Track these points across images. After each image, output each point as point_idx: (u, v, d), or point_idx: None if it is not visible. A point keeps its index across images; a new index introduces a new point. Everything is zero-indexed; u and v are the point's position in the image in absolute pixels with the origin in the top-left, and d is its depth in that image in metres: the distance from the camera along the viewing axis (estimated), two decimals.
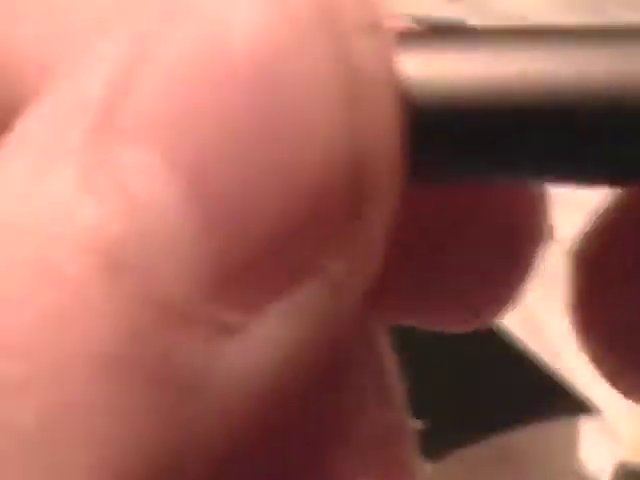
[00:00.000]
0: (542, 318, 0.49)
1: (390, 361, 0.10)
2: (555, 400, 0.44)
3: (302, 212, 0.07)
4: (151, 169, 0.07)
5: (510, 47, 0.09)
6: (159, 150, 0.07)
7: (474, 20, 0.50)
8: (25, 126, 0.07)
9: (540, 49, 0.09)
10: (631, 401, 0.10)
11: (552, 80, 0.09)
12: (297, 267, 0.07)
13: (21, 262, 0.07)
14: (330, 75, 0.07)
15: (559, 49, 0.09)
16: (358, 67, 0.07)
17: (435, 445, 0.39)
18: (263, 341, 0.07)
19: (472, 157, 0.08)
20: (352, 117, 0.07)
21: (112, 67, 0.07)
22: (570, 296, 0.09)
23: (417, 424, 0.12)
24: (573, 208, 0.26)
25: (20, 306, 0.07)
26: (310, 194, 0.07)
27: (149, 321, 0.07)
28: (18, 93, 0.08)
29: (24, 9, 0.08)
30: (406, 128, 0.08)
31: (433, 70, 0.08)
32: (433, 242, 0.10)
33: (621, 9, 0.70)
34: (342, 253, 0.07)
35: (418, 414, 0.12)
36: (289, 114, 0.07)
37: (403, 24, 0.09)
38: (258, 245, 0.07)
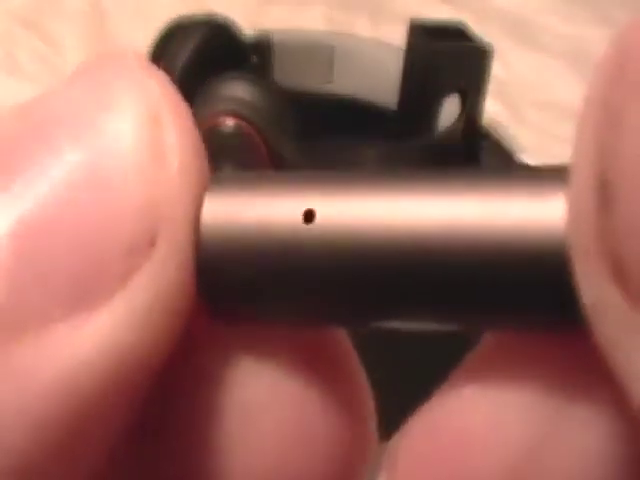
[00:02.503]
0: None
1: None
2: None
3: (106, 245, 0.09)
4: None
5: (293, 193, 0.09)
6: None
7: (470, 19, 0.50)
8: None
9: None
10: None
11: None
12: (108, 284, 0.09)
13: None
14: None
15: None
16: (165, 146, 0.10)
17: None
18: (90, 337, 0.09)
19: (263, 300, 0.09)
20: (154, 180, 0.09)
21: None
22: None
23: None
24: None
25: None
26: (118, 232, 0.09)
27: None
28: None
29: None
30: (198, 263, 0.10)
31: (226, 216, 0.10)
32: None
33: (618, 6, 0.70)
34: (141, 273, 0.09)
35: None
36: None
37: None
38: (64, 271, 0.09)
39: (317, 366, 0.11)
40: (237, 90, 0.44)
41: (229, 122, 0.42)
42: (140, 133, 0.09)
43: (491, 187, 0.09)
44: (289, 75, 0.51)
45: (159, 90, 0.10)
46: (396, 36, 0.49)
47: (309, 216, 0.09)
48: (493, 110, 0.51)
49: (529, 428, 0.10)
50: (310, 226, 0.09)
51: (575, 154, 0.08)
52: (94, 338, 0.09)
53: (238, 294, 0.10)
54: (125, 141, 0.09)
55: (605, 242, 0.07)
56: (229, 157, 0.42)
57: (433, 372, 0.11)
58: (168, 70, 0.46)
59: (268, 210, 0.09)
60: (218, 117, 0.42)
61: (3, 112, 0.10)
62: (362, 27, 0.65)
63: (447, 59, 0.46)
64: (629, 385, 0.08)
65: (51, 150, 0.09)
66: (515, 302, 0.09)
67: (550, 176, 0.09)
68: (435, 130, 0.47)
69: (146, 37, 0.48)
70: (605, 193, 0.07)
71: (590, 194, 0.08)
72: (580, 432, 0.09)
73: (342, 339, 0.11)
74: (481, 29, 0.48)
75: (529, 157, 0.48)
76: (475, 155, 0.48)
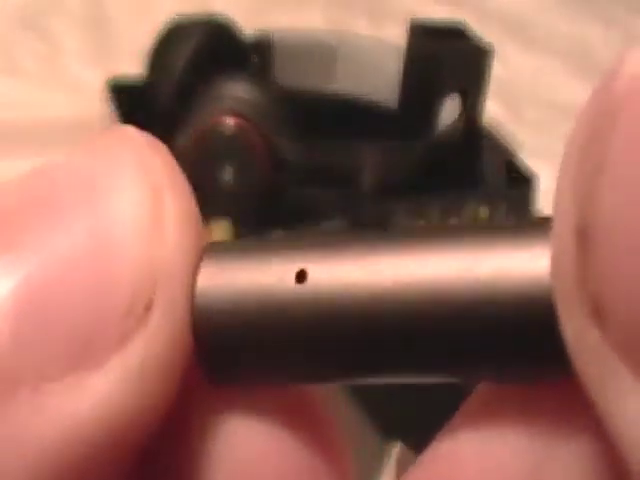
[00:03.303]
0: None
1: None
2: None
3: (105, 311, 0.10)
4: None
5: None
6: None
7: (470, 19, 0.50)
8: None
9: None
10: None
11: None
12: (105, 346, 0.10)
13: None
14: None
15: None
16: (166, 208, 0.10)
17: None
18: (86, 396, 0.09)
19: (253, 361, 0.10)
20: (152, 246, 0.10)
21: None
22: None
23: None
24: None
25: None
26: (113, 302, 0.10)
27: None
28: None
29: None
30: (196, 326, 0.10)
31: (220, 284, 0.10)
32: None
33: (618, 6, 0.70)
34: (137, 336, 0.10)
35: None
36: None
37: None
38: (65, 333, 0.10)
39: (303, 425, 0.11)
40: (238, 90, 0.44)
41: (230, 121, 0.42)
42: (141, 204, 0.10)
43: (477, 242, 0.09)
44: (290, 75, 0.51)
45: (160, 163, 0.10)
46: (396, 36, 0.49)
47: (301, 276, 0.09)
48: (493, 110, 0.51)
49: (517, 471, 0.10)
50: (302, 286, 0.09)
51: (556, 200, 0.08)
52: (89, 399, 0.09)
53: (233, 355, 0.10)
54: (126, 212, 0.10)
55: (585, 284, 0.08)
56: (230, 156, 0.43)
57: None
58: (168, 70, 0.47)
59: (261, 272, 0.10)
60: (219, 116, 0.42)
61: (9, 182, 0.10)
62: (362, 27, 0.65)
63: (447, 59, 0.46)
64: (610, 421, 0.08)
65: (55, 216, 0.10)
66: (502, 355, 0.09)
67: (536, 226, 0.09)
68: (435, 129, 0.47)
69: (146, 37, 0.48)
70: (585, 237, 0.08)
71: (570, 237, 0.08)
72: (563, 474, 0.10)
73: (324, 396, 0.11)
74: (481, 29, 0.48)
75: (529, 156, 0.48)
76: (475, 155, 0.48)
